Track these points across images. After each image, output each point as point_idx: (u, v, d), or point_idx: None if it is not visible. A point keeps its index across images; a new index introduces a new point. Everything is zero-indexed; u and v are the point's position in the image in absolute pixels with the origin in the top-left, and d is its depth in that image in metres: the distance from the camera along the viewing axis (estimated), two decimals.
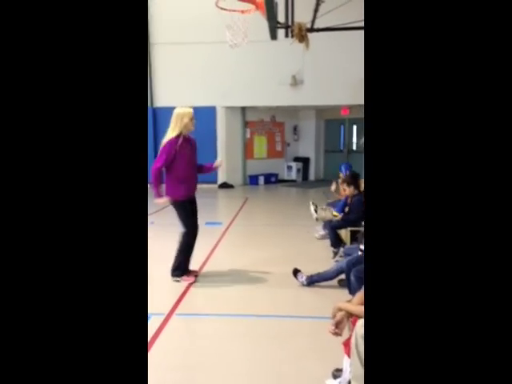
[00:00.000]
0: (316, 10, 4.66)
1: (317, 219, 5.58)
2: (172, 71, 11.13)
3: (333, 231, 4.60)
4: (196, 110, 11.88)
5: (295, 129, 12.92)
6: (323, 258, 4.57)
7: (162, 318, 3.14)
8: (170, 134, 3.73)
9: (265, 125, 12.28)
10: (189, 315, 3.27)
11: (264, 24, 5.80)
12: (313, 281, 3.71)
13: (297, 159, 12.70)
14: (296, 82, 10.78)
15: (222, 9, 4.57)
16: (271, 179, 12.09)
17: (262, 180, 11.94)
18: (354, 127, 12.35)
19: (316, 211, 5.62)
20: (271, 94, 10.83)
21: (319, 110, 12.62)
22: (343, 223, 4.55)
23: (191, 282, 3.86)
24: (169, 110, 12.59)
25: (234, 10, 4.53)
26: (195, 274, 4.04)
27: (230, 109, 11.34)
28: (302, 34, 4.96)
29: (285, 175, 12.48)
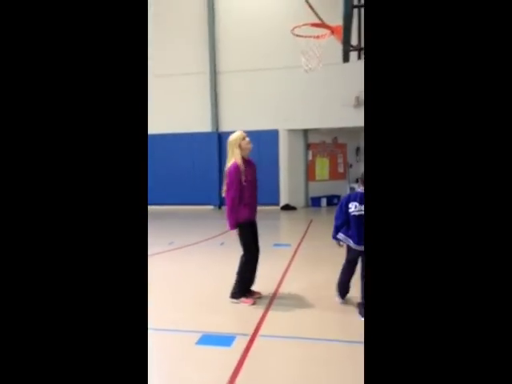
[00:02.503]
0: None
1: None
2: (236, 97, 11.54)
3: None
4: (259, 133, 12.17)
5: (357, 150, 12.76)
6: None
7: (247, 339, 3.20)
8: (230, 161, 3.82)
9: (327, 146, 12.26)
10: (272, 337, 3.29)
11: (326, 47, 5.92)
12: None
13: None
14: (359, 102, 10.72)
15: (297, 36, 4.72)
16: (333, 201, 11.96)
17: (324, 202, 11.85)
18: None
19: None
20: (334, 116, 10.85)
21: None
22: None
23: (250, 303, 3.90)
24: None
25: (309, 36, 4.66)
26: (257, 295, 4.05)
27: (292, 131, 11.49)
28: None
29: None
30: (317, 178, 12.09)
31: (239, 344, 3.12)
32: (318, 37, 4.69)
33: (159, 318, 3.71)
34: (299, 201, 11.75)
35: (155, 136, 12.02)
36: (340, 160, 12.48)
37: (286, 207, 11.36)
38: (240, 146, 3.77)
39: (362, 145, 12.81)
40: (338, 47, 5.58)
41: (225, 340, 3.21)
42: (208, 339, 3.23)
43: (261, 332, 3.34)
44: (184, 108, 11.85)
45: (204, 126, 11.83)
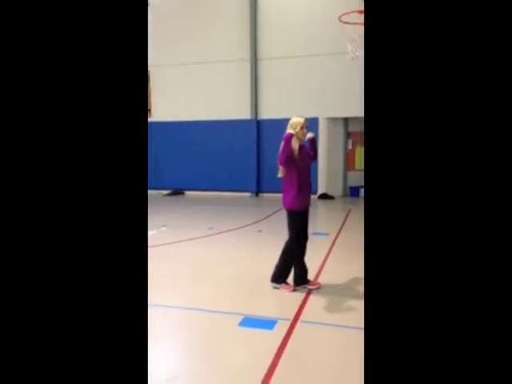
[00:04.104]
0: None
1: None
2: (276, 84, 11.47)
3: None
4: None
5: None
6: None
7: (288, 323, 3.25)
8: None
9: (361, 136, 12.01)
10: (313, 323, 3.32)
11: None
12: None
13: None
14: None
15: (344, 23, 4.63)
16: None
17: (362, 192, 11.65)
18: None
19: None
20: None
21: None
22: None
23: (290, 290, 3.93)
24: (272, 122, 12.94)
25: (357, 23, 4.56)
26: (318, 285, 4.06)
27: (332, 120, 11.32)
28: None
29: None
30: (356, 167, 11.89)
31: (281, 328, 3.17)
32: (363, 24, 4.57)
33: (201, 300, 3.82)
34: (337, 190, 11.62)
35: (196, 122, 12.19)
36: None
37: (324, 196, 11.27)
38: (296, 132, 3.78)
39: None
40: None
41: (266, 323, 3.27)
42: (250, 322, 3.30)
43: (302, 318, 3.38)
44: (224, 95, 11.91)
45: (243, 113, 11.87)
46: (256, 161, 11.87)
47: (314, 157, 4.06)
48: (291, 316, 3.40)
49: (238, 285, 4.27)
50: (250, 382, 2.47)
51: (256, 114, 11.81)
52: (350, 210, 9.33)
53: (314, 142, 4.05)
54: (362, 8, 4.70)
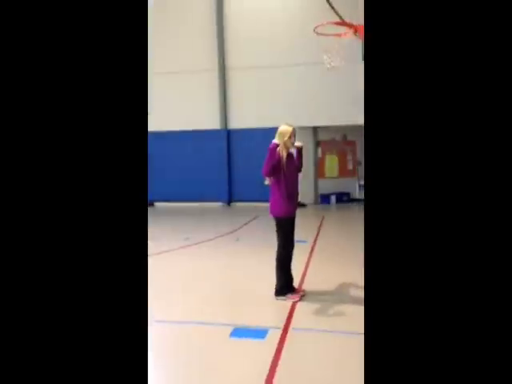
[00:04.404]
0: None
1: None
2: (245, 94, 11.54)
3: None
4: (268, 130, 12.07)
5: None
6: None
7: (279, 332, 3.22)
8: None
9: (336, 144, 12.27)
10: (304, 330, 3.31)
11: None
12: None
13: None
14: None
15: (319, 34, 4.73)
16: (343, 198, 11.98)
17: (333, 199, 11.86)
18: None
19: None
20: (343, 114, 10.85)
21: None
22: None
23: (297, 299, 3.89)
24: (241, 131, 12.90)
25: (331, 35, 4.68)
26: (302, 293, 4.05)
27: (302, 129, 11.47)
28: None
29: (356, 194, 12.31)
30: (326, 175, 12.10)
31: (273, 336, 3.14)
32: (339, 35, 4.69)
33: (187, 312, 3.73)
34: (309, 198, 11.76)
35: (165, 133, 12.03)
36: (349, 157, 12.48)
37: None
38: (284, 141, 3.77)
39: None
40: (349, 46, 5.58)
41: (258, 333, 3.22)
42: (241, 332, 3.24)
43: (292, 325, 3.36)
44: (193, 105, 11.85)
45: (213, 123, 11.84)
46: (227, 170, 11.84)
47: (299, 166, 4.08)
48: (281, 324, 3.38)
49: (224, 295, 4.20)
50: None
51: (226, 123, 11.81)
52: (323, 217, 9.46)
53: (301, 151, 4.07)
54: (336, 19, 4.83)
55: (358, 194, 12.30)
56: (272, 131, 12.59)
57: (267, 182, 3.94)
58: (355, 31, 4.45)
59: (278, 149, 3.76)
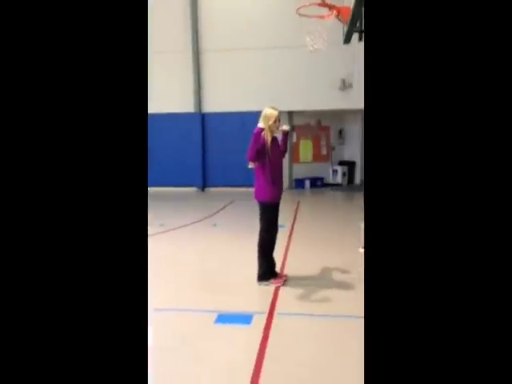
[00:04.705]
0: None
1: None
2: (220, 77, 11.32)
3: None
4: (243, 114, 12.01)
5: (340, 132, 12.87)
6: None
7: (264, 317, 3.21)
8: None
9: (311, 129, 12.29)
10: (289, 315, 3.31)
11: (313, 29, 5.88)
12: None
13: (342, 163, 12.64)
14: (345, 85, 10.76)
15: (302, 15, 4.65)
16: (317, 183, 12.08)
17: (307, 184, 11.94)
18: None
19: None
20: (319, 99, 10.86)
21: None
22: None
23: (281, 284, 3.89)
24: (217, 116, 12.73)
25: (314, 16, 4.60)
26: (285, 277, 4.05)
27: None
28: None
29: (330, 179, 12.44)
30: (301, 160, 12.14)
31: (258, 322, 3.13)
32: (322, 17, 4.63)
33: (169, 299, 3.66)
34: (283, 182, 11.78)
35: None
36: (323, 142, 12.56)
37: None
38: (268, 125, 3.70)
39: (345, 127, 12.92)
40: (330, 29, 5.54)
41: (243, 318, 3.20)
42: (226, 318, 3.21)
43: (277, 310, 3.36)
44: (166, 88, 11.52)
45: (187, 106, 11.58)
46: (201, 155, 11.67)
47: (284, 151, 4.03)
48: (266, 309, 3.37)
49: (206, 281, 4.15)
50: (241, 378, 2.40)
51: (200, 107, 11.58)
52: (298, 202, 9.50)
53: (286, 136, 4.01)
54: (319, 1, 4.76)
55: (332, 178, 12.44)
56: (248, 116, 12.54)
57: (251, 165, 3.87)
58: (338, 13, 4.40)
59: (263, 133, 3.68)
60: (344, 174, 12.35)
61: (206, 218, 7.59)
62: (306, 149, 12.22)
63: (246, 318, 3.20)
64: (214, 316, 3.25)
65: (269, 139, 3.72)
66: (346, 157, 12.86)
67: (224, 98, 11.31)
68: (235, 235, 6.25)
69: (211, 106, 11.53)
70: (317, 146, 12.43)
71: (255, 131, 3.68)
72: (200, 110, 11.59)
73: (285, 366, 2.52)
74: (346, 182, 12.34)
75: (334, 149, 12.79)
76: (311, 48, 4.70)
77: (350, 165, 12.62)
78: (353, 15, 4.22)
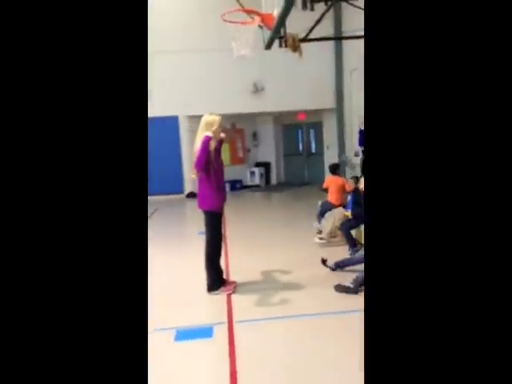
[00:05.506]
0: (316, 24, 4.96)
1: (331, 236, 5.41)
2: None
3: (347, 232, 4.85)
4: (159, 119, 11.59)
5: (254, 135, 13.16)
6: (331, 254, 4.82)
7: (224, 327, 3.17)
8: (199, 139, 3.70)
9: (226, 132, 12.33)
10: (249, 321, 3.31)
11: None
12: (340, 265, 4.15)
13: (258, 164, 12.94)
14: (257, 89, 11.03)
15: (227, 21, 4.67)
16: (236, 186, 12.19)
17: (227, 187, 11.98)
18: (312, 131, 12.88)
19: (321, 233, 5.53)
20: (233, 102, 10.96)
21: (276, 116, 12.98)
22: (355, 221, 4.82)
23: (231, 291, 3.87)
24: (156, 120, 11.86)
25: (237, 22, 4.66)
26: (234, 284, 4.03)
27: (192, 118, 11.27)
28: (295, 45, 5.21)
29: (248, 181, 12.65)
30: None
31: (219, 333, 3.08)
32: (245, 23, 4.70)
33: None
34: None
35: None
36: (239, 145, 12.72)
37: (192, 195, 11.20)
38: (213, 130, 3.66)
39: (258, 130, 13.23)
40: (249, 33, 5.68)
41: (203, 332, 3.13)
42: (185, 334, 3.11)
43: (235, 318, 3.34)
44: None
45: None
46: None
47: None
48: (224, 319, 3.33)
49: (153, 297, 3.93)
50: None
51: None
52: None
53: (221, 144, 3.99)
54: (239, 6, 4.83)
55: (250, 180, 12.66)
56: (163, 120, 12.03)
57: (194, 175, 3.80)
58: (262, 20, 4.52)
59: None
60: (261, 175, 12.66)
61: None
62: (224, 152, 12.22)
63: (206, 331, 3.13)
64: (173, 333, 3.12)
65: (212, 147, 3.69)
66: (262, 158, 13.20)
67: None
68: (168, 244, 6.06)
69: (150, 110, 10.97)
70: (233, 149, 12.55)
71: (204, 139, 3.61)
72: None
73: (261, 375, 2.52)
74: (263, 183, 12.66)
75: (249, 151, 13.03)
76: (237, 53, 4.76)
77: (266, 166, 12.98)
78: (278, 23, 4.37)
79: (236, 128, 12.60)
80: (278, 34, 4.70)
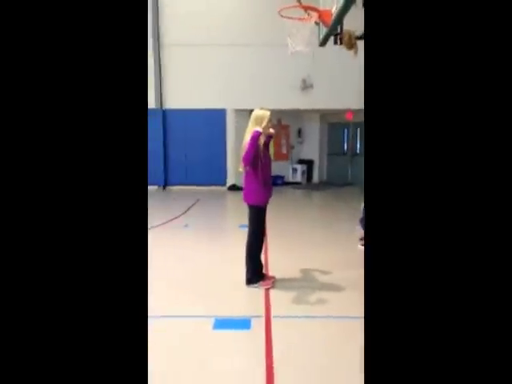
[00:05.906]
0: None
1: None
2: (183, 73, 11.09)
3: None
4: (206, 112, 11.86)
5: (299, 132, 13.09)
6: None
7: (261, 321, 3.21)
8: (249, 134, 3.73)
9: (274, 128, 12.37)
10: (286, 317, 3.33)
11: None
12: None
13: (301, 161, 12.88)
14: (306, 85, 10.95)
15: (284, 17, 4.66)
16: (278, 181, 12.20)
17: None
18: (358, 130, 12.64)
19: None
20: (280, 98, 10.95)
21: (323, 114, 12.84)
22: None
23: (269, 286, 3.90)
24: (179, 112, 12.43)
25: (295, 18, 4.65)
26: (273, 279, 4.06)
27: (239, 111, 11.39)
28: (351, 42, 5.10)
29: (290, 177, 12.63)
30: None
31: (257, 326, 3.13)
32: (302, 19, 4.68)
33: (161, 306, 3.53)
34: None
35: None
36: (283, 141, 12.72)
37: (233, 187, 11.35)
38: (263, 126, 3.67)
39: (303, 126, 13.16)
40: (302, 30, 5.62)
41: (241, 323, 3.18)
42: (223, 323, 3.18)
43: (273, 313, 3.37)
44: None
45: (148, 101, 11.21)
46: (163, 152, 11.38)
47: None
48: (261, 313, 3.37)
49: (194, 286, 4.06)
50: None
51: (161, 103, 11.28)
52: None
53: (270, 139, 4.01)
54: (300, 3, 4.79)
55: (292, 177, 12.64)
56: (210, 113, 12.35)
57: (241, 169, 3.84)
58: (319, 16, 4.48)
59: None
60: (303, 173, 12.60)
61: (175, 218, 7.42)
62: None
63: (244, 323, 3.18)
64: (211, 321, 3.20)
65: (261, 142, 3.72)
66: (305, 155, 13.12)
67: (187, 94, 11.08)
68: (209, 236, 6.19)
69: (173, 102, 11.26)
70: (277, 145, 12.55)
71: (254, 134, 3.65)
72: (161, 105, 11.28)
73: (297, 373, 2.54)
74: (305, 181, 12.60)
75: (293, 147, 12.99)
76: (292, 50, 4.74)
77: (309, 163, 12.89)
78: (335, 20, 4.30)
79: (282, 124, 12.59)
80: (334, 31, 4.63)
